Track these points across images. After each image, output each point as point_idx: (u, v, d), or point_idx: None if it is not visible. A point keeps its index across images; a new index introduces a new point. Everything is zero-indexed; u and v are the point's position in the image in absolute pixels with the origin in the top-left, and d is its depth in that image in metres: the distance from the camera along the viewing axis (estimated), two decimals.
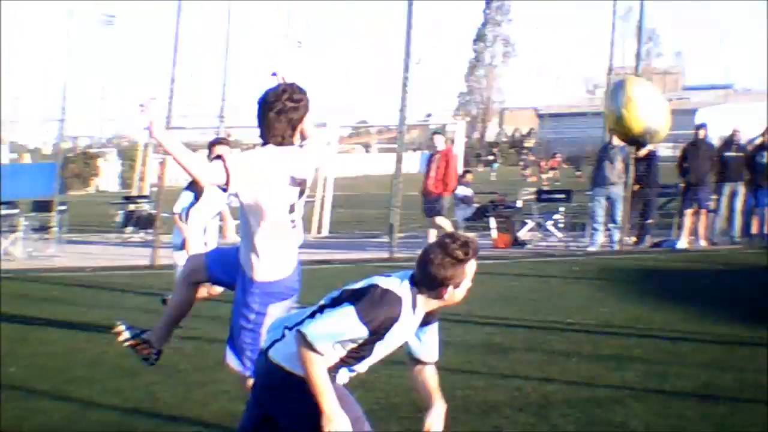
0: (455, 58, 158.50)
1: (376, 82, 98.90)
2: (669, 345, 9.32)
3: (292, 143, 5.19)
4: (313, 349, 3.98)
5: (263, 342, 4.55)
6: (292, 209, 5.21)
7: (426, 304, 4.21)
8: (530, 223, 21.00)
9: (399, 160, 18.15)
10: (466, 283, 4.21)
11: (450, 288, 4.14)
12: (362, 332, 4.02)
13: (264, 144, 5.21)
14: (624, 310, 11.37)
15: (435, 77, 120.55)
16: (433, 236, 17.95)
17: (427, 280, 4.14)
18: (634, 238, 18.66)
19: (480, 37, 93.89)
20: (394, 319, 4.06)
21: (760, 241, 17.98)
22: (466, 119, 66.41)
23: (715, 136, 19.70)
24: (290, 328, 4.21)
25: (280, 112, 5.10)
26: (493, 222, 20.89)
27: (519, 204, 22.59)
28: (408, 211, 18.92)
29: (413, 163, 49.90)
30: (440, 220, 17.54)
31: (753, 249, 17.39)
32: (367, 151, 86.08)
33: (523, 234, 20.31)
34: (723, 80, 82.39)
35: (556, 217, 20.78)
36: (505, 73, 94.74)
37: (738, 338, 9.46)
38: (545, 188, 29.44)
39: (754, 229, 18.44)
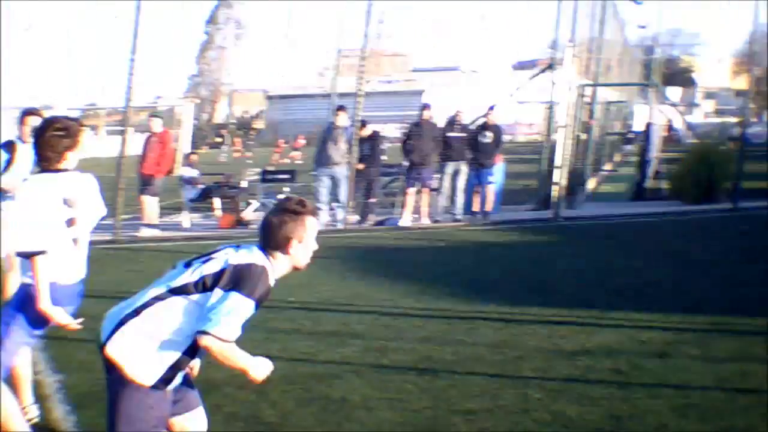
0: (188, 41, 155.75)
1: (105, 64, 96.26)
2: (389, 320, 9.35)
3: (58, 169, 5.48)
4: (230, 341, 4.07)
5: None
6: (69, 224, 5.40)
7: (279, 268, 4.29)
8: (255, 203, 20.97)
9: (124, 142, 17.70)
10: (311, 242, 4.33)
11: (294, 242, 4.25)
12: (253, 310, 4.11)
13: (40, 168, 5.56)
14: (346, 287, 11.38)
15: (167, 60, 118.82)
16: (147, 217, 17.61)
17: (272, 241, 4.25)
18: (357, 217, 18.73)
19: (212, 19, 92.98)
20: (270, 291, 4.19)
21: (481, 218, 18.45)
22: (195, 101, 65.66)
23: (443, 117, 19.95)
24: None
25: (47, 141, 5.46)
26: (217, 202, 20.82)
27: (244, 184, 22.57)
28: (134, 193, 18.31)
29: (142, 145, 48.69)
30: (148, 199, 17.77)
31: (474, 226, 17.88)
32: (95, 134, 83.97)
33: (247, 214, 20.17)
34: (450, 63, 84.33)
35: (280, 197, 20.64)
36: (235, 55, 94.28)
37: (457, 313, 9.60)
38: (270, 169, 29.30)
39: (475, 207, 18.88)
